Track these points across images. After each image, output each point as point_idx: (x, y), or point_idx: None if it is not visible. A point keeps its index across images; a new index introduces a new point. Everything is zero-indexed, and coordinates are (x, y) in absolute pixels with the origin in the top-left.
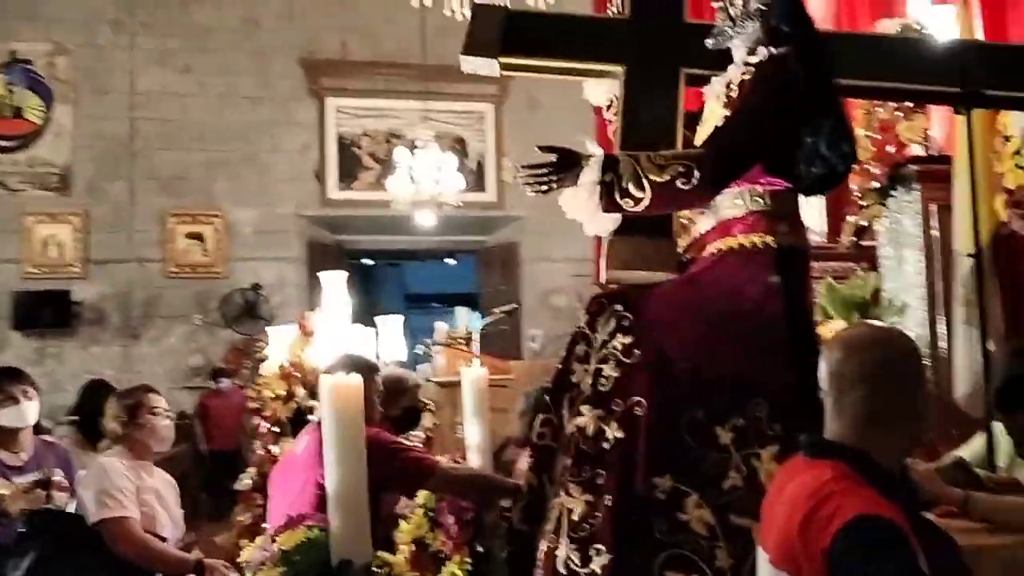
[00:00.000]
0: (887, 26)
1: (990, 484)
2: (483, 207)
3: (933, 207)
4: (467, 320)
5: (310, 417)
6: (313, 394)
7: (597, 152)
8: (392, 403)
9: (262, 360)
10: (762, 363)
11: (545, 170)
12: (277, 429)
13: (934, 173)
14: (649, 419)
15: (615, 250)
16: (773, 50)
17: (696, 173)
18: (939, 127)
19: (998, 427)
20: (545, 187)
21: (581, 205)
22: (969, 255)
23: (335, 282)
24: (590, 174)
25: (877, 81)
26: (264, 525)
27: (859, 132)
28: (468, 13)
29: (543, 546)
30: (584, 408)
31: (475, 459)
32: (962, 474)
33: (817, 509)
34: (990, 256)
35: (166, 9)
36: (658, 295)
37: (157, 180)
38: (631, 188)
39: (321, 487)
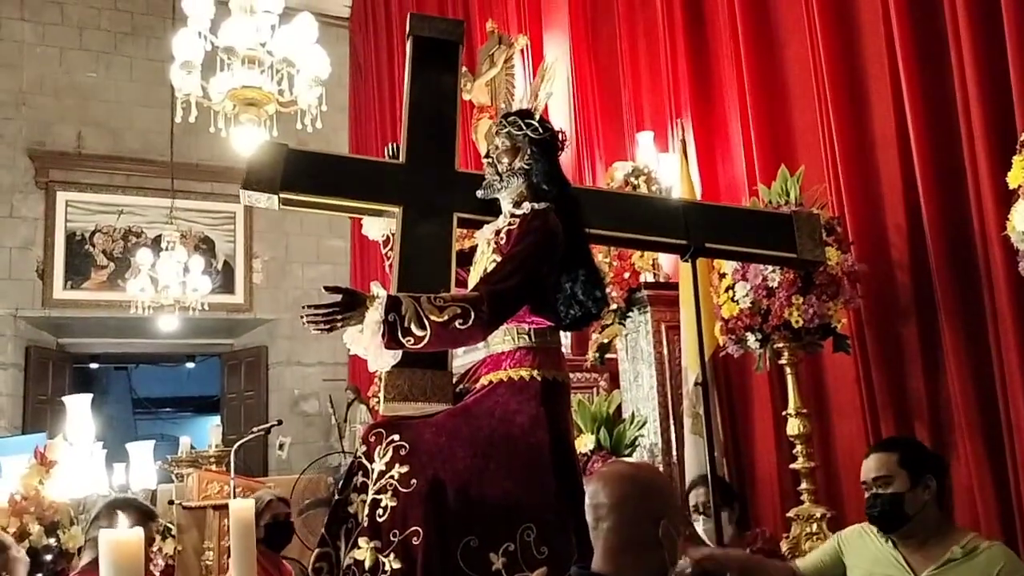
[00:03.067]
0: (621, 167)
1: None
2: (230, 309)
3: (663, 327)
4: (216, 436)
5: (48, 556)
6: (50, 531)
7: (381, 293)
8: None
9: None
10: (530, 488)
11: (330, 310)
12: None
13: (663, 298)
14: (426, 548)
15: (393, 381)
16: (536, 205)
17: (472, 314)
18: (666, 258)
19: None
20: (329, 326)
21: (365, 342)
22: (696, 383)
23: (79, 407)
24: (374, 314)
25: (618, 232)
26: None
27: (600, 258)
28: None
29: None
30: (361, 540)
31: None
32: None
33: None
34: (712, 374)
35: None
36: (433, 424)
37: None
38: (413, 328)
39: None
